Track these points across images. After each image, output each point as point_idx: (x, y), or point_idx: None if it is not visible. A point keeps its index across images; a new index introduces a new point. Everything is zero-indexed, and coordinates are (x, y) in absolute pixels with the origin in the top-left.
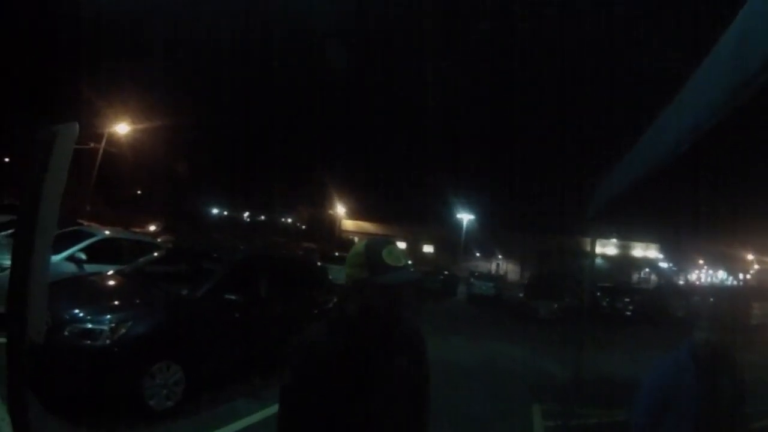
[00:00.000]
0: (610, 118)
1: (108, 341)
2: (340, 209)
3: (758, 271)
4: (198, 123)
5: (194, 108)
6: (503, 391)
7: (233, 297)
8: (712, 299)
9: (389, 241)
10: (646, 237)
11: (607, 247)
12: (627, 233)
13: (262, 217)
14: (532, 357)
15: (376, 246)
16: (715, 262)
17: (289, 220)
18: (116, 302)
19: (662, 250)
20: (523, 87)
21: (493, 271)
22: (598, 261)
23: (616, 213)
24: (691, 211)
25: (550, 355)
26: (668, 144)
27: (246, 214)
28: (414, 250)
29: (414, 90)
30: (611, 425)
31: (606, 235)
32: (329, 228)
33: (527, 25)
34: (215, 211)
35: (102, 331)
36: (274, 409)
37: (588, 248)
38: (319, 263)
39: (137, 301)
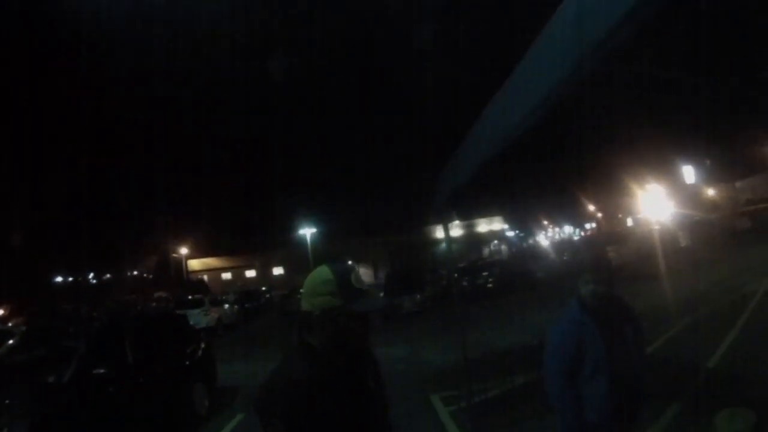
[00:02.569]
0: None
1: None
2: (183, 250)
3: (601, 219)
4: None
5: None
6: (398, 393)
7: (102, 371)
8: (587, 254)
9: (350, 265)
10: (488, 212)
11: (452, 230)
12: (469, 212)
13: (108, 276)
14: (413, 352)
15: (344, 271)
16: (558, 219)
17: (135, 273)
18: None
19: (506, 220)
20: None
21: None
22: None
23: (463, 195)
24: (533, 180)
25: (430, 346)
26: (513, 120)
27: (91, 275)
28: (264, 275)
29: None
30: (512, 391)
31: (452, 218)
32: (177, 272)
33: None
34: (59, 279)
35: None
36: None
37: (434, 237)
38: (177, 311)
39: (6, 402)
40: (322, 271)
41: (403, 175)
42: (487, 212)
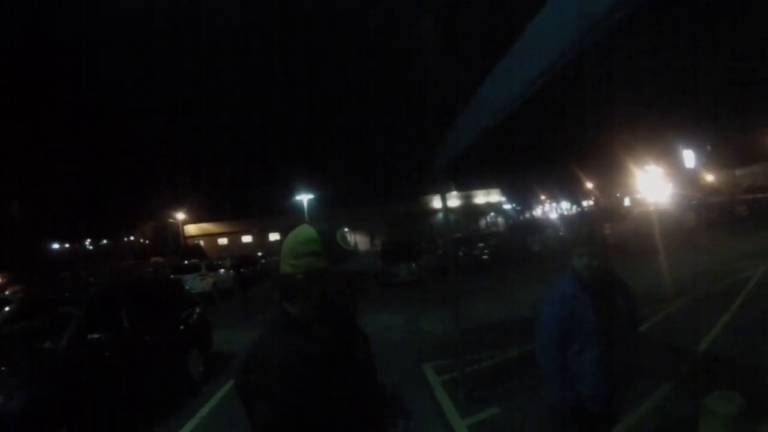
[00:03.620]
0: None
1: None
2: (180, 216)
3: (598, 197)
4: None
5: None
6: (392, 361)
7: (97, 336)
8: (583, 227)
9: (337, 225)
10: (486, 183)
11: (450, 201)
12: (467, 183)
13: (105, 242)
14: (409, 321)
15: (329, 230)
16: (556, 194)
17: (132, 238)
18: None
19: (504, 192)
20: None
21: None
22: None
23: (461, 166)
24: (532, 153)
25: (425, 315)
26: (513, 91)
27: (88, 241)
28: (261, 241)
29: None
30: (505, 362)
31: (450, 189)
32: (173, 238)
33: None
34: (56, 246)
35: None
36: None
37: (432, 207)
38: (172, 276)
39: (2, 369)
40: (305, 230)
41: (402, 144)
42: (485, 184)
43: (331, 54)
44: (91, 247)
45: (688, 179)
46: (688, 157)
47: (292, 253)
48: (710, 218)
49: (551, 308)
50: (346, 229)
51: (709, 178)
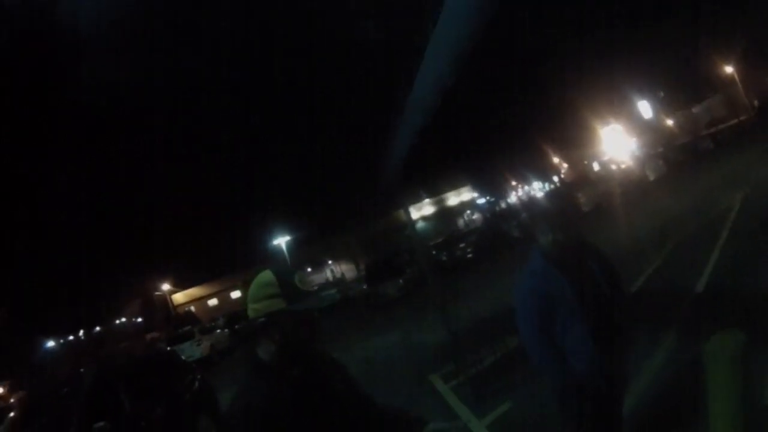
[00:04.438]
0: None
1: None
2: (165, 286)
3: (568, 168)
4: None
5: None
6: (398, 379)
7: (101, 424)
8: (540, 204)
9: (295, 270)
10: (453, 183)
11: (423, 209)
12: (433, 188)
13: (97, 329)
14: (405, 336)
15: (286, 273)
16: (525, 176)
17: (124, 320)
18: None
19: (474, 188)
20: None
21: (330, 278)
22: (421, 224)
23: (417, 171)
24: (487, 138)
25: (419, 327)
26: (437, 83)
27: (81, 332)
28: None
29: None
30: (506, 355)
31: (416, 198)
32: (163, 310)
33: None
34: (51, 343)
35: None
36: None
37: (406, 219)
38: (168, 348)
39: None
40: (263, 275)
41: (364, 164)
42: (453, 184)
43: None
44: (83, 337)
45: (649, 130)
46: (644, 108)
47: (252, 297)
48: (678, 161)
49: (523, 290)
50: (337, 269)
51: (668, 122)
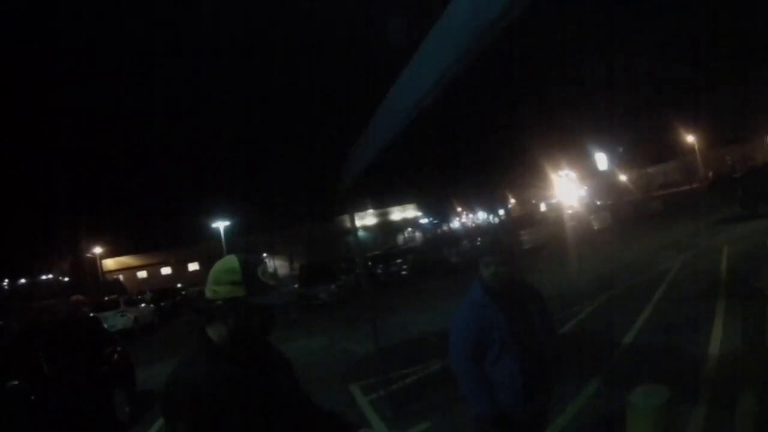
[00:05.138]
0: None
1: None
2: (97, 250)
3: (515, 205)
4: None
5: None
6: (317, 384)
7: (17, 383)
8: (488, 236)
9: (261, 259)
10: (400, 199)
11: (366, 219)
12: (380, 200)
13: (23, 281)
14: (331, 343)
15: (251, 263)
16: (472, 205)
17: (51, 276)
18: None
19: (420, 207)
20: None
21: None
22: (361, 233)
23: (370, 182)
24: (442, 164)
25: (347, 336)
26: (414, 99)
27: (5, 281)
28: (180, 271)
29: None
30: (429, 376)
31: (362, 208)
32: (92, 273)
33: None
34: None
35: None
36: None
37: (347, 226)
38: (92, 314)
39: None
40: (229, 260)
41: (314, 164)
42: (400, 199)
43: (238, 79)
44: (7, 288)
45: (602, 181)
46: (601, 160)
47: (214, 279)
48: (625, 216)
49: (460, 320)
50: (270, 263)
51: (622, 177)
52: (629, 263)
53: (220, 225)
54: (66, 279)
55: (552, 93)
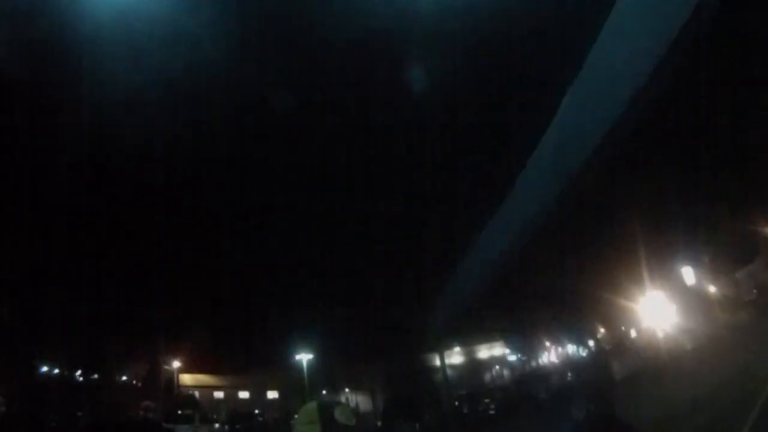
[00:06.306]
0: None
1: None
2: (175, 363)
3: (604, 334)
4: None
5: None
6: None
7: None
8: (579, 377)
9: (340, 402)
10: (487, 338)
11: (453, 357)
12: (468, 339)
13: (96, 376)
14: None
15: (328, 405)
16: (560, 338)
17: (125, 378)
18: None
19: (507, 344)
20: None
21: None
22: (448, 372)
23: (460, 325)
24: (530, 303)
25: None
26: (501, 251)
27: (78, 372)
28: (259, 397)
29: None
30: None
31: (450, 346)
32: (167, 384)
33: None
34: (44, 368)
35: None
36: None
37: (433, 363)
38: (164, 425)
39: None
40: (310, 405)
41: (402, 300)
42: (487, 337)
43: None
44: (81, 378)
45: (691, 296)
46: (688, 274)
47: (299, 420)
48: (717, 332)
49: None
50: (352, 399)
51: (711, 289)
52: (723, 382)
53: (303, 357)
54: (139, 384)
55: (636, 221)
